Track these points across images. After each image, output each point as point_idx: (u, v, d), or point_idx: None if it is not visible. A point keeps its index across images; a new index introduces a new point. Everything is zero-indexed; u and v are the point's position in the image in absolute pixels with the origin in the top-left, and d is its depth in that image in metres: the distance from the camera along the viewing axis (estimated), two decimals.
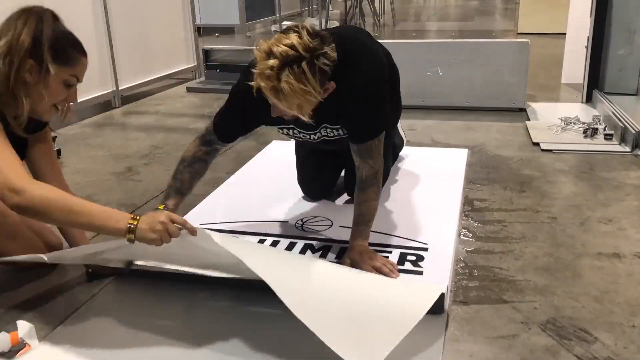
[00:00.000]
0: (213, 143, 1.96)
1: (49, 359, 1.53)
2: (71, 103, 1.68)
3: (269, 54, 1.52)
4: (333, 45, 1.62)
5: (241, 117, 1.93)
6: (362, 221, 1.91)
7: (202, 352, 1.53)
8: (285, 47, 1.51)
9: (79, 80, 1.65)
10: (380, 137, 1.89)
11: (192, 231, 1.51)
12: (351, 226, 1.93)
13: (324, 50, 1.57)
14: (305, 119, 1.62)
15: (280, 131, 2.09)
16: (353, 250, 1.88)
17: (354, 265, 1.84)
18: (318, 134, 2.05)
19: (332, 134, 2.03)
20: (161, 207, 1.84)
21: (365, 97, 1.83)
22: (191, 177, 1.94)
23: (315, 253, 2.05)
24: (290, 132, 2.08)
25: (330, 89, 1.69)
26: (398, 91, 2.34)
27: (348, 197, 2.46)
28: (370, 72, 1.85)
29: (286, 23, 9.16)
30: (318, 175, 2.48)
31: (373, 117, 1.88)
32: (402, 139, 2.87)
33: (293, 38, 1.53)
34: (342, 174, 2.53)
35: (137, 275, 1.88)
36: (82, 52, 1.65)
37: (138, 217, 1.49)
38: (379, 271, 1.79)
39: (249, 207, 2.43)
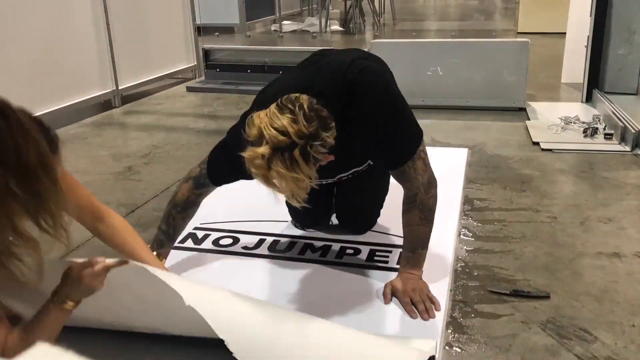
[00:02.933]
0: (207, 186, 1.83)
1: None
2: None
3: (260, 136, 1.36)
4: (333, 126, 1.43)
5: (237, 168, 1.62)
6: (409, 247, 1.80)
7: None
8: (275, 132, 1.34)
9: None
10: (413, 157, 1.71)
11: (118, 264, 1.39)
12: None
13: (320, 138, 1.38)
14: (296, 202, 1.43)
15: None
16: (397, 277, 1.79)
17: (393, 292, 1.76)
18: (335, 179, 1.90)
19: (349, 174, 1.88)
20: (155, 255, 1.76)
21: (377, 121, 1.63)
22: (183, 222, 1.88)
23: (315, 253, 2.05)
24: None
25: (328, 160, 1.49)
26: None
27: None
28: (375, 94, 1.63)
29: (286, 22, 9.18)
30: (312, 207, 2.18)
31: (396, 139, 1.68)
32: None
33: (285, 121, 1.35)
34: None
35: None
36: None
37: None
38: (415, 305, 1.69)
39: (249, 207, 2.43)
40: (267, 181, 1.40)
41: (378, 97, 1.64)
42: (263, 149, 1.35)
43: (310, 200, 2.11)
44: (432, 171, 1.77)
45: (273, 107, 1.40)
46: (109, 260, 1.36)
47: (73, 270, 1.35)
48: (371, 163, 1.82)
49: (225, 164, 1.78)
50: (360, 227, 2.19)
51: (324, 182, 1.84)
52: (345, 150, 1.53)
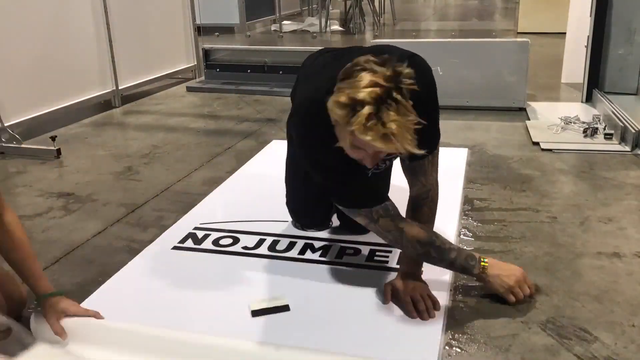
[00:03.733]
0: (394, 212, 1.69)
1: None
2: None
3: (355, 103, 1.34)
4: (400, 59, 1.44)
5: (349, 166, 1.61)
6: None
7: None
8: (367, 90, 1.33)
9: None
10: (435, 152, 1.73)
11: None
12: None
13: (399, 70, 1.38)
14: (415, 150, 1.40)
15: (368, 173, 1.78)
16: (397, 277, 1.77)
17: (393, 292, 1.74)
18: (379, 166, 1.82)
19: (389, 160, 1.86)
20: None
21: (428, 100, 1.60)
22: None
23: (315, 253, 2.05)
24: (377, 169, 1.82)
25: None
26: None
27: None
28: (431, 73, 1.66)
29: (286, 22, 9.18)
30: (314, 208, 2.20)
31: (433, 126, 1.65)
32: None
33: (367, 77, 1.35)
34: None
35: None
36: None
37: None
38: (415, 305, 1.67)
39: (249, 207, 2.43)
40: (388, 140, 1.34)
41: (432, 78, 1.66)
42: (367, 109, 1.32)
43: (312, 200, 2.15)
44: None
45: (340, 82, 1.40)
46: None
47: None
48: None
49: (344, 176, 1.65)
50: (363, 228, 2.15)
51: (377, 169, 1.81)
52: None
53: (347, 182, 1.65)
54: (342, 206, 1.72)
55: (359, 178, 1.68)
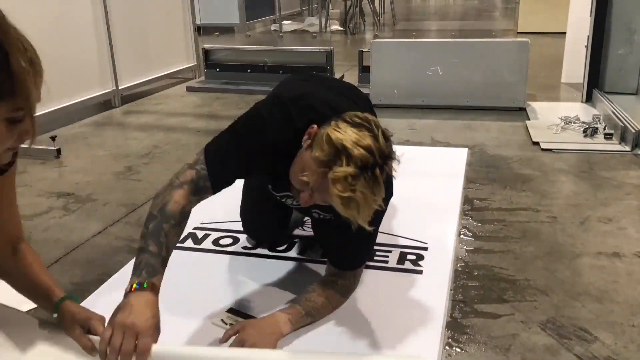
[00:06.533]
0: (205, 191, 1.51)
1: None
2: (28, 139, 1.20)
3: (346, 154, 1.31)
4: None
5: (246, 167, 1.57)
6: (304, 304, 1.63)
7: None
8: (363, 152, 1.30)
9: (27, 112, 1.17)
10: (361, 268, 1.74)
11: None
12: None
13: (393, 154, 1.39)
14: (365, 225, 1.35)
15: (276, 195, 1.79)
16: (260, 321, 1.59)
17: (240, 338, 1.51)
18: (309, 212, 1.77)
19: (321, 217, 1.75)
20: (146, 284, 1.32)
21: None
22: (177, 239, 1.49)
23: (315, 253, 2.05)
24: (286, 201, 1.79)
25: None
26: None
27: None
28: (390, 181, 1.61)
29: (286, 22, 9.18)
30: (266, 223, 2.09)
31: (365, 239, 1.61)
32: None
33: (369, 140, 1.33)
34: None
35: None
36: (22, 75, 1.16)
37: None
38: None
39: None
40: (347, 204, 1.31)
41: (389, 198, 1.62)
42: (351, 169, 1.29)
43: (265, 214, 2.03)
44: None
45: (345, 124, 1.36)
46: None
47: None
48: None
49: (232, 159, 1.54)
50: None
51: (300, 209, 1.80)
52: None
53: (227, 159, 1.53)
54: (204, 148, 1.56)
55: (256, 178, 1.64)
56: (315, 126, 1.42)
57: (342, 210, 1.33)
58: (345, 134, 1.33)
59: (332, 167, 1.32)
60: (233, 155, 1.54)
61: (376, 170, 1.32)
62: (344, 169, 1.30)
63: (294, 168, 1.47)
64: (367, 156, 1.31)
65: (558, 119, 3.55)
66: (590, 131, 3.28)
